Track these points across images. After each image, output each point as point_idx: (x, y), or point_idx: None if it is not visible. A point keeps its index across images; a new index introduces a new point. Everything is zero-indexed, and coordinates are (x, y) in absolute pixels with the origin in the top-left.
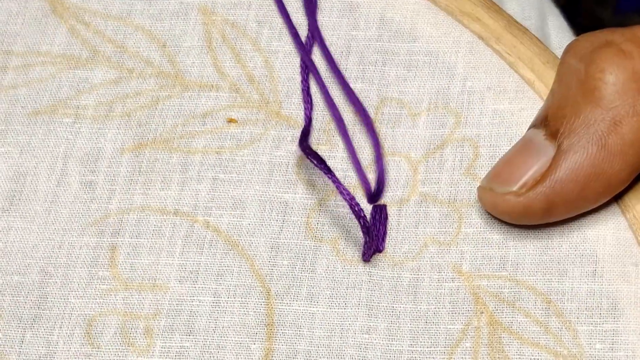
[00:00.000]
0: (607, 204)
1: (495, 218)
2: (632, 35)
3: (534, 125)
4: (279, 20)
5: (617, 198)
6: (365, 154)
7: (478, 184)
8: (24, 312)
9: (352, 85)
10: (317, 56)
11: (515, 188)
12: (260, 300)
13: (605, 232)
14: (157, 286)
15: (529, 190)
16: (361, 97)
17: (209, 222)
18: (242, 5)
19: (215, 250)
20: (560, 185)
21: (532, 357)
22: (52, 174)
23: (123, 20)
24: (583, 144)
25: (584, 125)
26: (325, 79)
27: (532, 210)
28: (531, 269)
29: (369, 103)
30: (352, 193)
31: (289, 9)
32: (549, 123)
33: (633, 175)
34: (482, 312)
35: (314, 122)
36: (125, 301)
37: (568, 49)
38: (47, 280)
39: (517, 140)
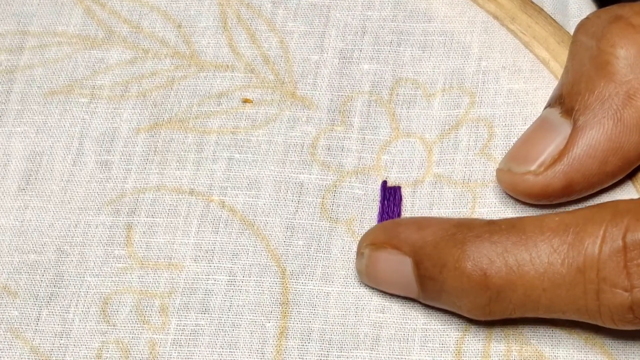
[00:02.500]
0: (623, 183)
1: (510, 198)
2: None
3: (549, 105)
4: (294, 1)
5: (632, 176)
6: (380, 135)
7: (495, 166)
8: (40, 291)
9: (366, 66)
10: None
11: (533, 167)
12: (276, 280)
13: None
14: (173, 265)
15: (548, 168)
16: (376, 77)
17: (224, 201)
18: None
19: (230, 230)
20: (579, 161)
21: (547, 334)
22: (68, 154)
23: (138, 0)
24: (599, 119)
25: (599, 101)
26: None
27: (552, 188)
28: None
29: (384, 84)
30: (368, 179)
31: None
32: (564, 101)
33: None
34: None
35: (329, 102)
36: (140, 280)
37: (579, 27)
38: (63, 258)
39: (532, 120)
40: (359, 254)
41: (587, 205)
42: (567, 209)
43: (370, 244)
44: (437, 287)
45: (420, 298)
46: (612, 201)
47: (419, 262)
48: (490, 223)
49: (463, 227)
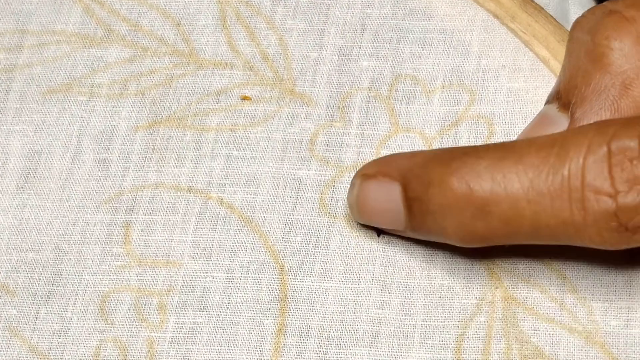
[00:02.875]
0: None
1: None
2: (634, 2)
3: (548, 101)
4: None
5: None
6: (379, 130)
7: None
8: (39, 289)
9: (365, 63)
10: None
11: None
12: (274, 276)
13: None
14: (171, 262)
15: None
16: (375, 73)
17: (222, 198)
18: None
19: (229, 227)
20: None
21: (547, 333)
22: (66, 152)
23: None
24: (596, 111)
25: (595, 93)
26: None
27: None
28: (546, 245)
29: (383, 80)
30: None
31: None
32: (561, 96)
33: None
34: (497, 287)
35: (328, 99)
36: (138, 277)
37: (574, 25)
38: (61, 257)
39: (532, 118)
40: (351, 185)
41: None
42: None
43: (362, 174)
44: (422, 208)
45: (407, 228)
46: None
47: (407, 184)
48: (480, 145)
49: (453, 149)
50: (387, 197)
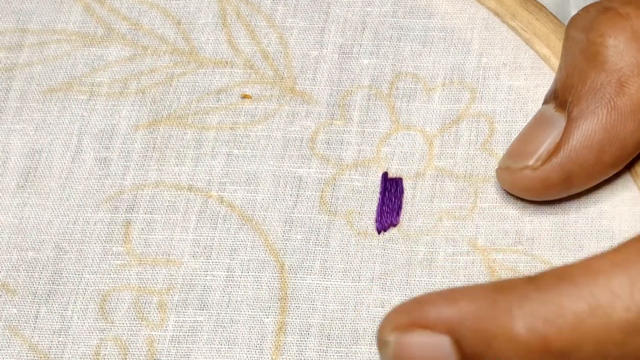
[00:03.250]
0: (623, 177)
1: (512, 194)
2: None
3: (545, 102)
4: None
5: (630, 167)
6: (379, 128)
7: (497, 162)
8: (39, 288)
9: (366, 61)
10: None
11: (531, 162)
12: (274, 275)
13: (621, 207)
14: (171, 261)
15: (545, 162)
16: (375, 71)
17: (223, 197)
18: None
19: (229, 225)
20: (575, 153)
21: None
22: (66, 151)
23: None
24: (592, 109)
25: (591, 91)
26: None
27: (551, 182)
28: (547, 243)
29: (384, 78)
30: (368, 171)
31: None
32: (558, 95)
33: None
34: None
35: (329, 97)
36: (139, 276)
37: (569, 24)
38: (61, 256)
39: (532, 116)
40: (382, 343)
41: (586, 200)
42: (567, 203)
43: (395, 328)
44: None
45: None
46: None
47: (461, 339)
48: (533, 279)
49: (504, 291)
50: (436, 353)
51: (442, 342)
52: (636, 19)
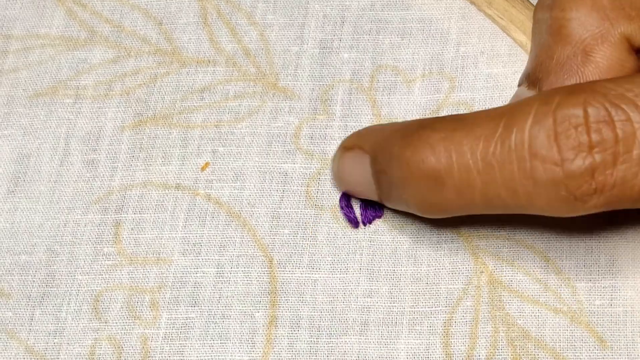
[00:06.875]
0: None
1: None
2: None
3: (519, 84)
4: None
5: None
6: (362, 121)
7: None
8: (33, 291)
9: (346, 55)
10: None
11: None
12: (263, 269)
13: None
14: (161, 260)
15: None
16: (356, 65)
17: (210, 195)
18: None
19: (217, 222)
20: None
21: (533, 314)
22: (55, 154)
23: (119, 0)
24: (561, 82)
25: (559, 64)
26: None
27: None
28: (529, 228)
29: (364, 71)
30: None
31: None
32: (529, 75)
33: None
34: (482, 272)
35: (311, 92)
36: (130, 276)
37: (536, 7)
38: (53, 258)
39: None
40: (333, 157)
41: None
42: None
43: (342, 147)
44: (387, 181)
45: (379, 199)
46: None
47: (374, 157)
48: (438, 117)
49: (413, 122)
50: (361, 169)
51: (365, 159)
52: None
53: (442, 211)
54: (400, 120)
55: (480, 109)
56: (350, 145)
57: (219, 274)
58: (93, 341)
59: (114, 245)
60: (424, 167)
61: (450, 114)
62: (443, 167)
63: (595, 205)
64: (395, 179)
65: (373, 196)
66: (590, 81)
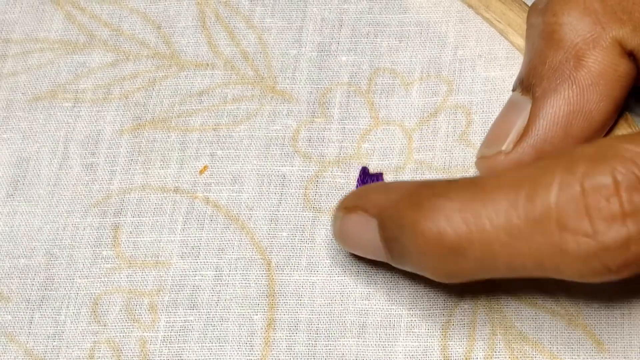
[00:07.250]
0: None
1: None
2: None
3: (513, 89)
4: None
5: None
6: (359, 124)
7: (474, 152)
8: (32, 294)
9: (344, 58)
10: None
11: (503, 147)
12: (261, 272)
13: None
14: (160, 263)
15: (516, 145)
16: (354, 68)
17: (208, 198)
18: None
19: (215, 225)
20: (544, 131)
21: (530, 317)
22: (54, 158)
23: (118, 3)
24: (554, 87)
25: (551, 69)
26: None
27: (525, 163)
28: None
29: (362, 74)
30: (349, 167)
31: None
32: (523, 81)
33: (614, 106)
34: None
35: (309, 95)
36: (129, 279)
37: (529, 12)
38: (52, 262)
39: None
40: (334, 218)
41: None
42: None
43: (343, 207)
44: (399, 248)
45: (390, 261)
46: (569, 149)
47: (383, 223)
48: (451, 181)
49: (423, 187)
50: (367, 233)
51: (372, 224)
52: None
53: (461, 278)
54: (398, 120)
55: (479, 113)
56: (351, 206)
57: (217, 277)
58: (92, 344)
59: (112, 249)
60: (441, 239)
61: (448, 117)
62: (462, 239)
63: (628, 275)
64: (409, 249)
65: (382, 259)
66: (610, 143)
